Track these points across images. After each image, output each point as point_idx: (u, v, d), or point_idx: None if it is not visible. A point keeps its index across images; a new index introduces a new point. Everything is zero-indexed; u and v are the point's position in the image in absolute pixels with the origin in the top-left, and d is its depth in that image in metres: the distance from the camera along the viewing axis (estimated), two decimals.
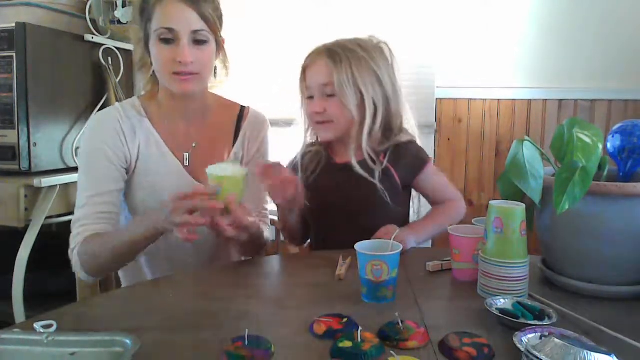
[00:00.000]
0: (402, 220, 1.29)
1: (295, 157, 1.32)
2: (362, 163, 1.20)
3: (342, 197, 1.23)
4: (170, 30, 1.09)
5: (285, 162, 1.27)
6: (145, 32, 1.12)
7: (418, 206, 1.35)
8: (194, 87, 1.15)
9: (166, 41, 1.10)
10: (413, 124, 1.30)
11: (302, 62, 1.24)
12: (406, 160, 1.23)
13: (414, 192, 1.32)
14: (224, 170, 1.00)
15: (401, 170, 1.23)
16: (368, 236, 1.20)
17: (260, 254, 1.26)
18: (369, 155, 1.20)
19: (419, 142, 1.28)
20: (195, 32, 1.11)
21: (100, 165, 1.15)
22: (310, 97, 1.22)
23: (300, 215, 1.28)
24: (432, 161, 1.28)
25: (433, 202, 1.30)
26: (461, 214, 1.27)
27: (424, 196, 1.30)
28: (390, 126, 1.24)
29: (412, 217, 1.34)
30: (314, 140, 1.32)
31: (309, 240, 1.38)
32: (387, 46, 1.25)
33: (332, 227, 1.26)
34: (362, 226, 1.19)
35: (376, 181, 1.19)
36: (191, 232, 0.96)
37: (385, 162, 1.21)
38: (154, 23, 1.10)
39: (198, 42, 1.12)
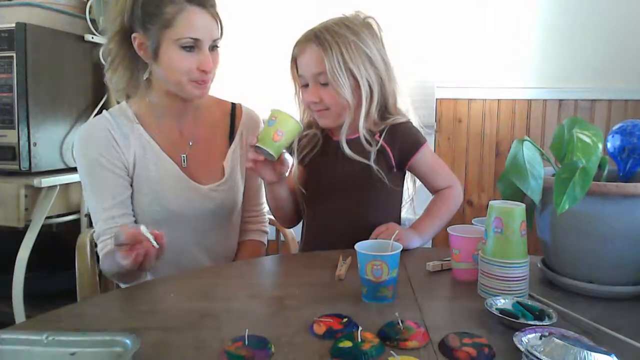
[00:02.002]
0: (397, 200, 1.29)
1: None
2: (357, 142, 1.19)
3: (338, 175, 1.22)
4: (196, 39, 1.10)
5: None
6: (155, 38, 1.10)
7: (413, 189, 1.33)
8: (208, 91, 1.18)
9: (188, 49, 1.10)
10: (408, 102, 1.28)
11: (292, 50, 1.21)
12: (402, 141, 1.21)
13: (408, 174, 1.31)
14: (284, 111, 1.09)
15: (397, 151, 1.21)
16: (362, 217, 1.21)
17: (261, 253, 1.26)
18: (365, 137, 1.19)
19: (414, 122, 1.26)
20: (214, 40, 1.13)
21: (101, 177, 1.15)
22: (305, 85, 1.21)
23: (291, 194, 1.28)
24: (428, 143, 1.26)
25: (429, 186, 1.28)
26: (459, 199, 1.27)
27: (420, 179, 1.29)
28: (386, 106, 1.23)
29: (406, 199, 1.33)
30: (310, 121, 1.29)
31: (300, 222, 1.36)
32: (375, 21, 1.23)
33: (327, 206, 1.25)
34: (357, 206, 1.21)
35: (371, 162, 1.18)
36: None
37: (380, 141, 1.20)
38: (176, 31, 1.08)
39: (213, 47, 1.14)
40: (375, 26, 1.22)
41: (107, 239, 1.13)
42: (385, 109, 1.23)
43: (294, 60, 1.22)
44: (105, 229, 1.14)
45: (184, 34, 1.09)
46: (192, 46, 1.10)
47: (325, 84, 1.16)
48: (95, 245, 1.18)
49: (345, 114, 1.18)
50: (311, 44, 1.16)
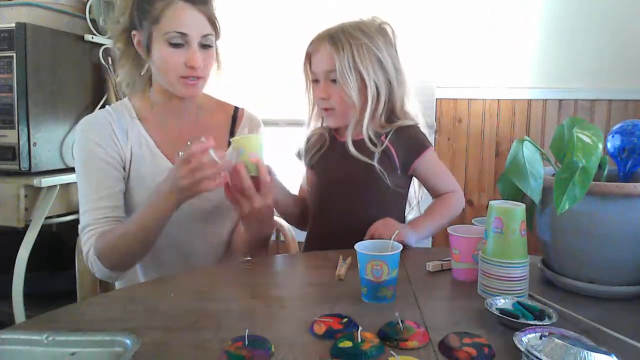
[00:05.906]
0: (401, 202, 1.30)
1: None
2: (361, 142, 1.21)
3: (341, 175, 1.24)
4: (182, 34, 1.10)
5: (283, 162, 1.29)
6: (147, 34, 1.11)
7: (420, 192, 1.34)
8: (199, 90, 1.18)
9: (176, 45, 1.10)
10: (417, 108, 1.30)
11: (306, 47, 1.25)
12: (407, 143, 1.23)
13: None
14: (242, 134, 1.11)
15: (401, 152, 1.23)
16: (365, 217, 1.20)
17: (263, 252, 1.26)
18: (369, 138, 1.21)
19: (422, 127, 1.28)
20: (204, 36, 1.13)
21: (97, 167, 1.14)
22: (316, 81, 1.24)
23: (296, 200, 1.32)
24: (433, 148, 1.28)
25: (432, 190, 1.29)
26: (460, 205, 1.28)
27: (422, 183, 1.30)
28: (393, 110, 1.25)
29: (413, 201, 1.34)
30: (319, 124, 1.33)
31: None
32: (390, 27, 1.26)
33: (330, 206, 1.27)
34: (359, 206, 1.23)
35: (374, 162, 1.20)
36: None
37: (386, 142, 1.22)
38: (163, 26, 1.09)
39: (204, 46, 1.14)
40: (390, 32, 1.26)
41: (96, 228, 1.10)
42: (392, 112, 1.25)
43: (308, 57, 1.25)
44: (94, 219, 1.11)
45: (171, 29, 1.09)
46: (179, 42, 1.10)
47: (334, 81, 1.19)
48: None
49: (351, 114, 1.21)
50: (325, 43, 1.20)
